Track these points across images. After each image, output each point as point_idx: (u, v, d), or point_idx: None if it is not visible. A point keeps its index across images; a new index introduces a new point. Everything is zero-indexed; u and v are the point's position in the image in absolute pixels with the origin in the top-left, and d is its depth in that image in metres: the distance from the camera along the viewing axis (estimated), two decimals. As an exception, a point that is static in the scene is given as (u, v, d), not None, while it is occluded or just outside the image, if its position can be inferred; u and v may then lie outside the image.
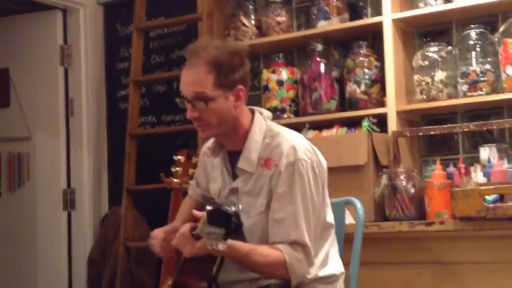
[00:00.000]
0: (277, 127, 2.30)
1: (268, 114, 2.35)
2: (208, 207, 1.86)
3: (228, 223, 1.83)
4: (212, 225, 1.83)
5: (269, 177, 2.19)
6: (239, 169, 2.24)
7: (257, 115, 2.29)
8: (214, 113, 2.18)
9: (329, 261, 2.28)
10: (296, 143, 2.21)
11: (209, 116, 2.18)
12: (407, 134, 3.20)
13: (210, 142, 2.40)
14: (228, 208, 1.85)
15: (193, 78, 2.18)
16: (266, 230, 2.18)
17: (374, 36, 3.46)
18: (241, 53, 2.22)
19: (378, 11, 3.44)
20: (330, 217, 2.31)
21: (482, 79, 3.09)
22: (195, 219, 2.21)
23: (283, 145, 2.20)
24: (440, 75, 3.19)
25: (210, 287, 2.27)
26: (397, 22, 3.29)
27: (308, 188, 2.18)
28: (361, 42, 3.45)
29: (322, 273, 2.24)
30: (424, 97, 3.21)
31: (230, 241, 1.97)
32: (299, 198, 2.15)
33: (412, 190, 2.97)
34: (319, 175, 2.23)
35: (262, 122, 2.28)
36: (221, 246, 1.84)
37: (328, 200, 2.32)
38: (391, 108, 3.24)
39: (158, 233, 2.38)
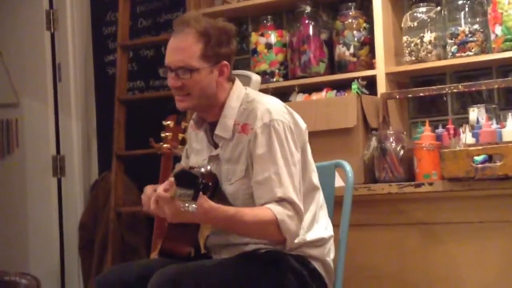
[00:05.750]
0: (254, 94, 2.31)
1: (257, 78, 2.35)
2: (175, 170, 1.89)
3: (195, 184, 1.87)
4: (182, 187, 1.87)
5: (247, 142, 2.19)
6: (217, 136, 2.26)
7: (237, 83, 2.30)
8: (196, 85, 2.19)
9: (317, 224, 2.28)
10: (271, 106, 2.22)
11: (192, 87, 2.19)
12: (396, 96, 3.20)
13: (195, 115, 2.40)
14: (194, 169, 1.89)
15: (180, 45, 2.19)
16: (248, 195, 2.18)
17: (362, -3, 3.44)
18: (230, 32, 2.25)
19: (366, -28, 3.41)
20: (316, 180, 2.31)
21: (471, 39, 3.08)
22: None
23: (258, 109, 2.21)
24: (429, 36, 3.17)
25: (196, 251, 2.28)
26: (385, -17, 3.27)
27: (287, 147, 2.17)
28: (349, 3, 3.42)
29: (310, 237, 2.24)
30: (413, 58, 3.19)
31: (215, 204, 1.99)
32: (279, 156, 2.15)
33: (401, 152, 2.97)
34: (296, 134, 2.22)
35: (241, 90, 2.29)
36: (191, 208, 1.88)
37: (313, 163, 2.32)
38: (380, 70, 3.23)
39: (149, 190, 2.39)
